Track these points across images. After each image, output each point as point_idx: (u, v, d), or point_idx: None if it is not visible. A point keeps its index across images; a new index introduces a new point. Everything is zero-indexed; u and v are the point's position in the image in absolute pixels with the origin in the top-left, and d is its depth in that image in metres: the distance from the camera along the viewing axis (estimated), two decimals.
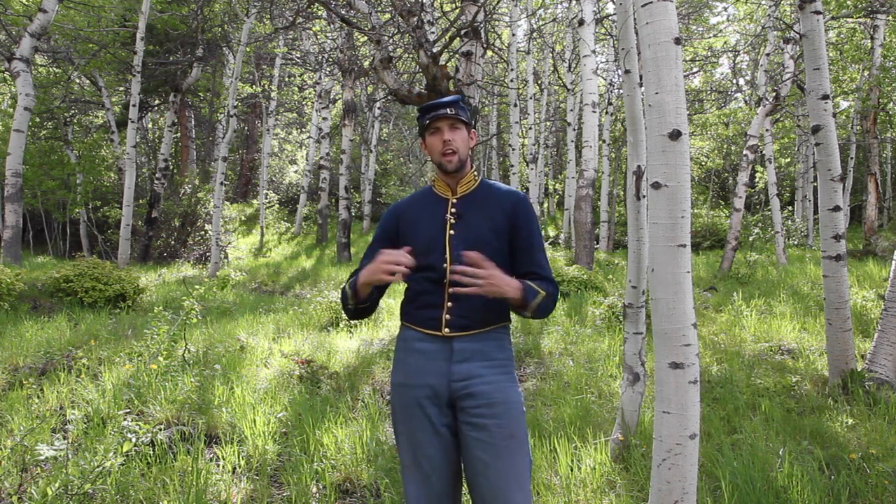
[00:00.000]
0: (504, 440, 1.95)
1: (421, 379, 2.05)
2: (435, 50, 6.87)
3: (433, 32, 9.77)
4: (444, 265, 2.05)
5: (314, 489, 3.16)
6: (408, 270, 1.93)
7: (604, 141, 17.11)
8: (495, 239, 2.09)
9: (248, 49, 14.69)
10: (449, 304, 2.05)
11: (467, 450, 2.00)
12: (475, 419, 1.98)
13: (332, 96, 20.71)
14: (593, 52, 10.66)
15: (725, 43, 20.18)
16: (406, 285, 2.17)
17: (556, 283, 2.11)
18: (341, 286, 2.16)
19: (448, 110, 2.10)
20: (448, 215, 2.13)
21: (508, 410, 1.99)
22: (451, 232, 2.10)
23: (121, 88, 19.67)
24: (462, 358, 2.03)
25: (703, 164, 23.64)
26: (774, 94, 11.36)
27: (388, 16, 11.34)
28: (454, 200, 2.16)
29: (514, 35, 13.32)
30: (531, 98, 16.47)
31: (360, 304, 2.11)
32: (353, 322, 6.70)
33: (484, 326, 2.06)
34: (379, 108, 21.88)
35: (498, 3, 10.70)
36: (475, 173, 2.22)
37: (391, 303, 7.07)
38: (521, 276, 2.07)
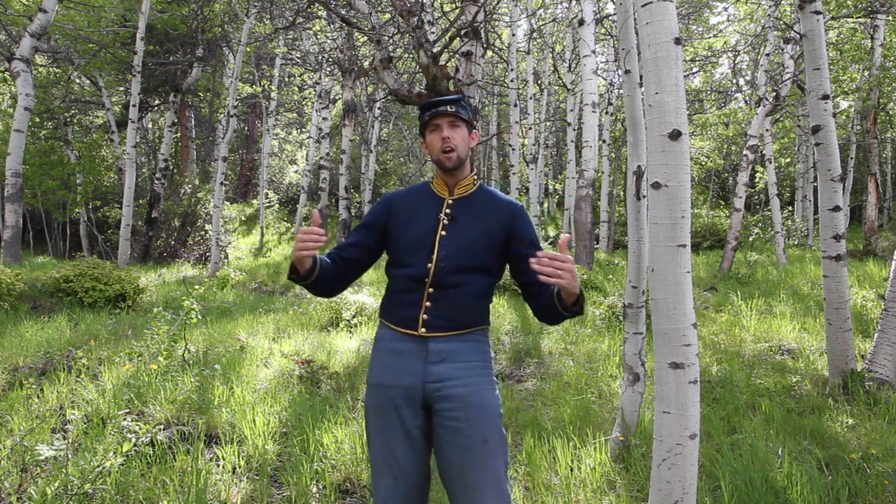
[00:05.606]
0: (478, 444, 1.92)
1: (396, 379, 2.01)
2: (435, 50, 6.87)
3: (433, 32, 9.77)
4: (429, 265, 2.03)
5: (314, 489, 3.16)
6: (320, 243, 1.85)
7: (604, 141, 17.11)
8: (486, 245, 2.06)
9: (248, 49, 14.68)
10: (427, 303, 2.03)
11: (441, 452, 1.96)
12: (449, 422, 1.95)
13: (332, 96, 20.71)
14: (593, 52, 10.66)
15: (725, 43, 20.17)
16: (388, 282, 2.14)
17: None
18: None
19: (448, 107, 2.09)
20: (442, 215, 2.10)
21: (482, 414, 1.95)
22: (443, 233, 2.07)
23: (121, 88, 19.67)
24: (438, 359, 2.00)
25: (703, 164, 23.64)
26: (774, 94, 11.36)
27: (388, 16, 11.33)
28: (450, 201, 2.13)
29: (514, 35, 13.32)
30: (531, 98, 16.47)
31: (302, 280, 2.00)
32: (353, 322, 6.70)
33: (461, 328, 2.03)
34: (379, 108, 21.85)
35: (498, 3, 10.70)
36: (475, 176, 2.19)
37: None
38: (534, 283, 2.00)
